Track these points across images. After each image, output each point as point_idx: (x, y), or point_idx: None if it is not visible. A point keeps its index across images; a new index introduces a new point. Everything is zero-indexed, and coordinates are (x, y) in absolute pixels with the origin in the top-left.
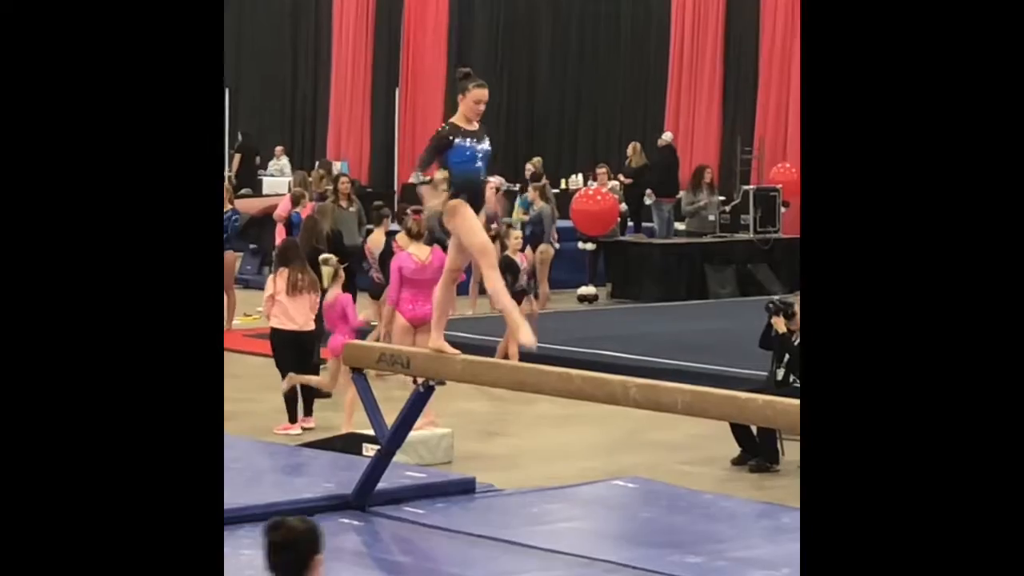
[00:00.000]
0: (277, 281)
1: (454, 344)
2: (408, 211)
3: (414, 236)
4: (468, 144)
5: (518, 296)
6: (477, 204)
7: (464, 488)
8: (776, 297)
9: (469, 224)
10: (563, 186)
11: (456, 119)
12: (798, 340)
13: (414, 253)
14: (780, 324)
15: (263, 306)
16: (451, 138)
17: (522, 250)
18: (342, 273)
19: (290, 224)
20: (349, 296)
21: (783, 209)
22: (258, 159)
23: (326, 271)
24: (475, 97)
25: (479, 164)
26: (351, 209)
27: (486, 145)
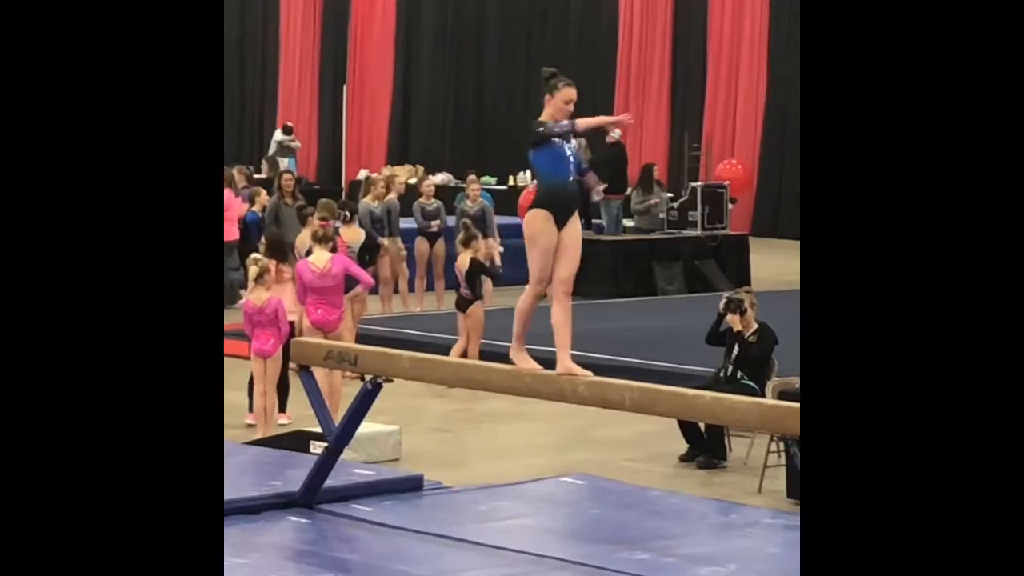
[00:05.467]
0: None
1: (403, 342)
2: (315, 218)
3: (319, 240)
4: (559, 144)
5: (467, 304)
6: (563, 218)
7: (412, 485)
8: (730, 293)
9: (545, 243)
10: (511, 183)
11: (544, 119)
12: (749, 336)
13: (312, 261)
14: (736, 321)
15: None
16: (552, 130)
17: None
18: (269, 276)
19: (246, 224)
20: (282, 299)
21: (730, 205)
22: None
23: (252, 271)
24: (564, 97)
25: (570, 168)
26: (295, 206)
27: (574, 145)
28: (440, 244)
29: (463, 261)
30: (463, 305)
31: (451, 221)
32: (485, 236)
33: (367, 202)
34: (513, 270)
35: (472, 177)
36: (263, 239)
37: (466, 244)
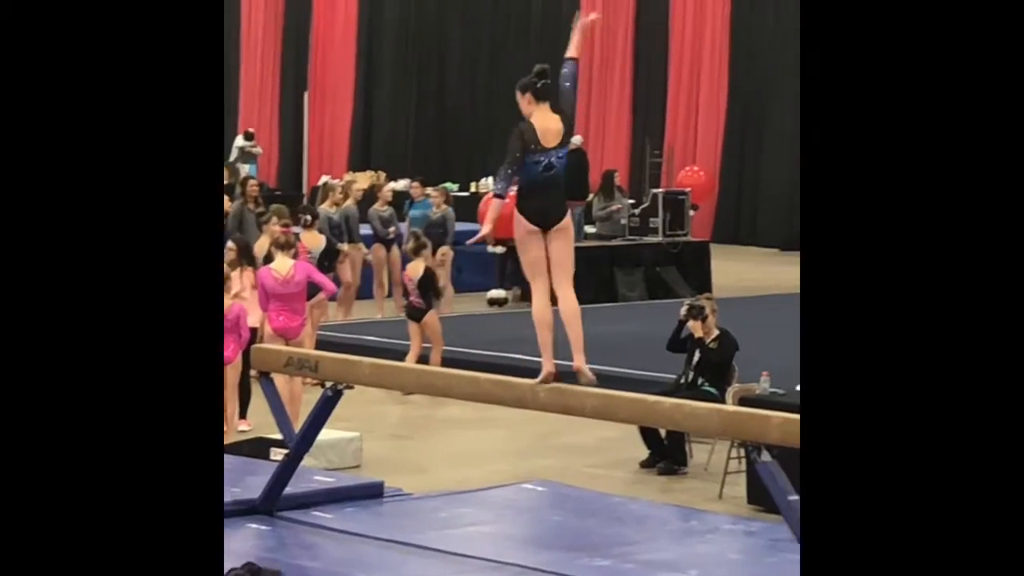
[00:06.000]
0: (242, 279)
1: (363, 348)
2: (276, 224)
3: (280, 247)
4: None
5: (420, 313)
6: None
7: (373, 492)
8: (691, 300)
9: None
10: (473, 189)
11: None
12: (710, 342)
13: (275, 268)
14: (697, 328)
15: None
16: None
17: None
18: (231, 282)
19: None
20: (244, 306)
21: (692, 212)
22: None
23: None
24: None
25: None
26: (255, 212)
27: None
28: (396, 250)
29: (414, 270)
30: (416, 315)
31: (403, 228)
32: (444, 243)
33: (325, 208)
34: (476, 276)
35: (416, 184)
36: (230, 245)
37: (416, 252)
